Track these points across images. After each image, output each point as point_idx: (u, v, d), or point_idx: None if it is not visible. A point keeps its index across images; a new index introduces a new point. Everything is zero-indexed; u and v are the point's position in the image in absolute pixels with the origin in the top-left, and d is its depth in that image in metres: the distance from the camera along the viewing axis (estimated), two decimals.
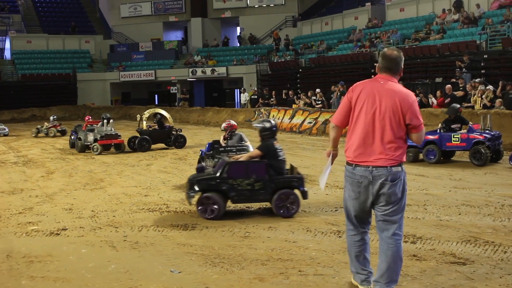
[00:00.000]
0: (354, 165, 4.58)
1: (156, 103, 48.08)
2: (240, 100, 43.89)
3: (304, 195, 8.46)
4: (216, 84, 46.35)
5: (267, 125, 8.70)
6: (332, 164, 5.04)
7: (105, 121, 18.21)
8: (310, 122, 21.69)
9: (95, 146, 17.78)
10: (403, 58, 4.73)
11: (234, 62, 42.38)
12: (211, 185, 8.40)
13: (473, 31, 26.79)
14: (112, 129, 18.25)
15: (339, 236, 7.05)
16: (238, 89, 45.71)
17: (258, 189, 8.42)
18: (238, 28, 49.10)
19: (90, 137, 18.08)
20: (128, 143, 18.36)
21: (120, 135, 18.29)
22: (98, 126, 18.47)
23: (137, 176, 12.86)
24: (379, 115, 4.41)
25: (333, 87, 23.85)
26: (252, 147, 10.89)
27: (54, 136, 25.32)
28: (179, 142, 18.70)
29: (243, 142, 11.25)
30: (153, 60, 45.68)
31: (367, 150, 4.44)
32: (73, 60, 45.68)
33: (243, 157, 8.74)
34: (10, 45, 45.93)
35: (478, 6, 28.65)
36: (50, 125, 25.95)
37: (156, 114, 19.26)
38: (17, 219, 8.66)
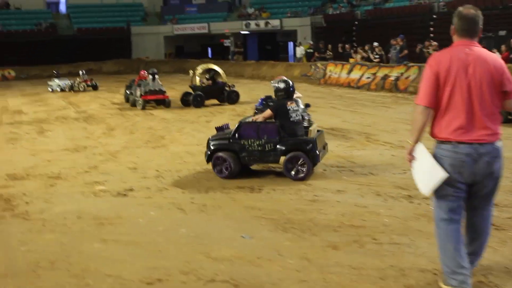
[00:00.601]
0: (455, 142, 4.08)
1: (209, 56, 47.89)
2: (294, 53, 43.49)
3: (315, 159, 8.16)
4: (269, 37, 45.74)
5: (281, 85, 8.62)
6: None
7: (150, 76, 18.07)
8: (368, 77, 21.20)
9: (139, 101, 17.96)
10: (482, 17, 4.33)
11: (288, 15, 41.67)
12: (224, 144, 8.50)
13: None
14: (158, 84, 18.06)
15: (411, 202, 6.84)
16: (292, 42, 45.09)
17: (268, 150, 8.35)
18: None
19: (138, 92, 18.19)
20: (181, 98, 18.29)
21: (165, 91, 18.18)
22: (145, 81, 18.44)
23: (197, 133, 12.80)
24: (475, 86, 4.04)
25: (392, 40, 23.15)
26: (301, 103, 10.98)
27: (85, 90, 25.64)
28: (232, 98, 18.44)
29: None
30: (206, 12, 45.33)
31: (469, 126, 4.07)
32: (126, 14, 45.82)
33: (259, 117, 8.63)
34: None
35: None
36: (81, 80, 26.11)
37: (209, 69, 18.89)
38: (83, 178, 8.75)
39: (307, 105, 11.48)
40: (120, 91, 23.64)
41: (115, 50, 42.29)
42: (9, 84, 33.49)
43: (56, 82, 26.86)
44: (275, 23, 41.56)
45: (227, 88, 18.54)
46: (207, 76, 18.67)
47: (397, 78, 19.68)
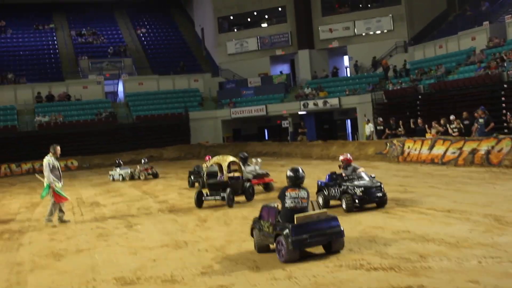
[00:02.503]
0: None
1: (266, 138, 47.59)
2: (353, 131, 42.83)
3: (294, 244, 8.42)
4: (326, 116, 45.35)
5: (288, 173, 9.21)
6: None
7: (253, 160, 17.43)
8: (454, 152, 20.11)
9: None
10: None
11: (347, 92, 41.27)
12: (254, 223, 9.66)
13: None
14: (258, 167, 17.47)
15: None
16: (349, 119, 44.61)
17: (269, 232, 9.03)
18: (347, 57, 48.03)
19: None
20: (198, 198, 15.54)
21: (269, 174, 17.60)
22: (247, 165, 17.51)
23: None
24: None
25: (475, 113, 22.19)
26: (365, 174, 13.33)
27: (146, 179, 25.19)
28: (249, 193, 15.85)
29: (357, 171, 13.38)
30: (262, 95, 45.34)
31: None
32: (183, 99, 46.15)
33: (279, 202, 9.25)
34: (123, 88, 46.99)
35: None
36: (141, 168, 25.74)
37: (232, 162, 16.04)
38: (205, 282, 7.86)
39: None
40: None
41: (174, 136, 42.32)
42: (73, 174, 33.41)
43: (117, 171, 26.57)
44: (333, 101, 41.23)
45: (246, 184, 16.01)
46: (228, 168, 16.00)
47: (488, 152, 18.57)
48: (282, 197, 9.01)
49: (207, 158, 21.37)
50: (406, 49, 42.96)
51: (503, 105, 28.04)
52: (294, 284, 7.33)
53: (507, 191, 13.46)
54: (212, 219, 13.32)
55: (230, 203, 14.97)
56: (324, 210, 9.41)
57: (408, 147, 23.10)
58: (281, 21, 48.91)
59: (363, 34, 45.73)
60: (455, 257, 7.84)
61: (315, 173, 22.51)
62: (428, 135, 23.99)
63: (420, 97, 34.32)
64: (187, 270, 8.59)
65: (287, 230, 8.50)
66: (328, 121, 45.70)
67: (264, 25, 49.64)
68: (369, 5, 46.64)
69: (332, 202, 13.35)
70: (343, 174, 13.38)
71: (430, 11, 44.45)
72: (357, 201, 12.56)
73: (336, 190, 13.08)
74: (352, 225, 10.96)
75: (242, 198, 15.95)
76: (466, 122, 22.48)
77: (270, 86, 46.25)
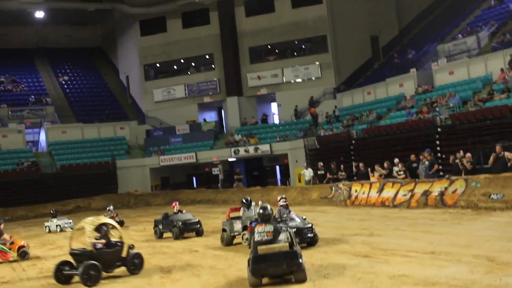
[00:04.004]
0: None
1: (195, 186, 46.63)
2: (281, 177, 42.59)
3: (253, 272, 9.81)
4: (256, 163, 45.02)
5: (258, 210, 10.78)
6: None
7: (253, 204, 15.91)
8: (405, 195, 20.00)
9: (245, 235, 15.05)
10: None
11: (277, 139, 41.14)
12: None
13: None
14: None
15: None
16: (278, 166, 44.44)
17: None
18: (275, 104, 48.13)
19: (238, 226, 15.55)
20: (56, 273, 12.00)
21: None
22: (245, 211, 15.87)
23: None
24: None
25: (417, 155, 22.32)
26: (297, 216, 14.23)
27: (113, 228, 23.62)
28: (135, 264, 12.50)
29: (290, 213, 14.28)
30: (192, 142, 44.54)
31: None
32: (110, 148, 44.68)
33: None
34: (46, 136, 45.01)
35: None
36: (108, 216, 24.28)
37: (101, 225, 12.61)
38: None
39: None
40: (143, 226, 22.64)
41: (101, 185, 40.64)
42: None
43: (54, 222, 24.99)
44: (264, 148, 41.00)
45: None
46: (97, 235, 12.51)
47: (442, 193, 18.51)
48: (252, 231, 10.44)
49: (173, 204, 19.54)
50: (335, 95, 43.43)
51: (438, 148, 28.49)
52: None
53: (480, 231, 13.26)
54: (177, 270, 12.34)
55: (85, 282, 11.32)
56: (286, 244, 10.06)
57: (356, 191, 22.89)
58: (209, 69, 48.61)
59: (292, 81, 45.97)
60: None
61: None
62: (372, 179, 23.87)
63: (353, 142, 34.49)
64: None
65: (249, 259, 9.86)
66: (258, 167, 45.35)
67: (192, 72, 49.11)
68: (295, 53, 47.12)
69: None
70: (276, 215, 13.58)
71: (356, 59, 45.34)
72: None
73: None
74: (338, 269, 10.36)
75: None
76: (415, 164, 22.52)
77: (199, 133, 45.53)
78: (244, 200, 16.07)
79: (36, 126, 46.38)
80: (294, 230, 12.43)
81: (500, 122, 25.37)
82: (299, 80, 45.74)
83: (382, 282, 8.99)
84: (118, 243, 12.43)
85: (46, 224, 25.55)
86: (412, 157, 23.33)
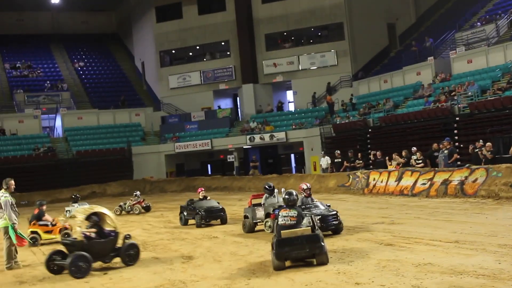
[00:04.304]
0: None
1: (209, 173, 46.67)
2: (296, 164, 42.47)
3: (277, 256, 10.01)
4: (271, 151, 44.93)
5: (283, 195, 11.18)
6: None
7: (276, 191, 15.56)
8: (424, 184, 19.83)
9: (267, 222, 14.68)
10: None
11: (293, 127, 41.00)
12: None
13: None
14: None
15: None
16: (293, 154, 44.34)
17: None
18: (291, 92, 47.97)
19: (260, 213, 15.15)
20: (47, 262, 11.45)
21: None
22: (268, 198, 15.37)
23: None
24: None
25: (440, 144, 22.07)
26: (321, 204, 14.11)
27: (140, 213, 23.72)
28: (131, 256, 11.98)
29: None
30: (207, 129, 44.54)
31: None
32: (125, 134, 44.82)
33: None
34: (62, 122, 45.18)
35: None
36: (134, 202, 24.35)
37: (92, 215, 11.88)
38: None
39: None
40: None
41: (116, 171, 40.85)
42: None
43: (75, 207, 24.94)
44: (280, 135, 40.90)
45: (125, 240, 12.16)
46: (88, 224, 11.84)
47: (462, 183, 18.33)
48: (277, 216, 10.95)
49: (199, 190, 19.14)
50: (351, 83, 43.18)
51: (456, 137, 28.24)
52: None
53: (503, 220, 13.11)
54: (197, 255, 12.31)
55: (73, 273, 10.90)
56: (308, 228, 10.28)
57: (374, 179, 22.75)
58: (225, 56, 48.47)
59: (307, 68, 45.74)
60: None
61: None
62: (390, 167, 23.71)
63: (370, 130, 34.29)
64: None
65: (273, 243, 10.12)
66: (273, 155, 45.28)
67: (207, 59, 48.98)
68: (311, 41, 46.88)
69: None
70: (299, 203, 13.06)
71: (373, 46, 45.03)
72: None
73: None
74: (362, 257, 10.27)
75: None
76: (436, 153, 22.28)
77: (214, 121, 45.52)
78: (267, 187, 15.65)
79: (52, 112, 46.61)
80: (318, 217, 12.59)
81: None
82: (315, 67, 45.51)
83: (407, 270, 8.88)
84: (112, 233, 11.87)
85: (67, 209, 25.41)
86: (434, 146, 23.07)
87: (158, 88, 50.11)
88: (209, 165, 47.73)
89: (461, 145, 26.43)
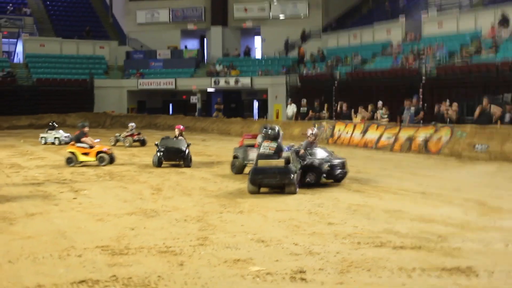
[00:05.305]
0: None
1: (170, 112, 46.32)
2: (258, 111, 42.51)
3: (251, 181, 11.45)
4: (235, 96, 44.84)
5: (267, 130, 12.29)
6: None
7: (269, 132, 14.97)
8: (389, 138, 20.15)
9: None
10: None
11: (259, 73, 40.86)
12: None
13: None
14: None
15: None
16: (256, 100, 44.35)
17: None
18: (259, 38, 47.61)
19: (253, 154, 13.67)
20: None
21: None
22: (259, 139, 14.20)
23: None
24: None
25: (406, 101, 22.32)
26: (325, 150, 13.46)
27: (130, 146, 22.91)
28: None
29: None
30: (172, 68, 43.96)
31: None
32: (88, 66, 43.81)
33: None
34: (23, 48, 43.93)
35: None
36: (127, 134, 23.49)
37: None
38: (213, 254, 7.00)
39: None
40: None
41: (77, 103, 40.10)
42: None
43: (52, 134, 24.50)
44: (245, 81, 40.80)
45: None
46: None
47: (427, 140, 18.70)
48: (259, 144, 12.43)
49: (178, 127, 17.65)
50: (320, 36, 43.04)
51: (421, 97, 28.60)
52: (324, 261, 6.63)
53: (466, 177, 13.55)
54: (166, 188, 12.34)
55: None
56: (282, 160, 11.51)
57: (339, 130, 23.01)
58: None
59: (278, 16, 45.37)
60: (476, 240, 7.48)
61: None
62: (355, 120, 23.95)
63: (336, 83, 34.40)
64: (182, 241, 7.68)
65: (250, 171, 11.55)
66: (236, 100, 45.19)
67: None
68: None
69: None
70: (302, 150, 12.61)
71: (346, 1, 44.84)
72: (324, 175, 12.20)
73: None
74: (332, 201, 10.51)
75: None
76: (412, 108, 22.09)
77: (180, 60, 44.94)
78: (266, 128, 13.57)
79: (13, 37, 45.25)
80: (328, 164, 12.26)
81: (486, 78, 25.47)
82: (285, 16, 45.17)
83: (378, 215, 9.11)
84: None
85: (42, 135, 24.82)
86: (407, 103, 23.19)
87: (125, 22, 49.02)
88: (171, 105, 47.34)
89: (425, 105, 26.81)
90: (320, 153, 12.82)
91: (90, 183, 13.28)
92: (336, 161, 12.60)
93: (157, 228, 8.48)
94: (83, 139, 16.66)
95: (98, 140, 17.46)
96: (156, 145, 16.73)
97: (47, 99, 39.21)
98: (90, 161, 16.59)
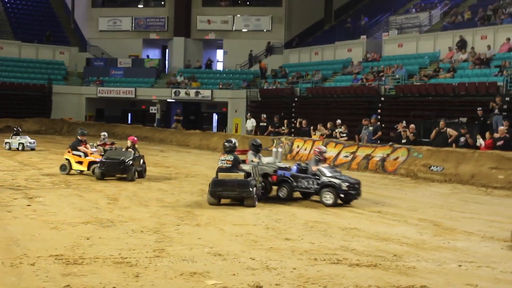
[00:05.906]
0: None
1: (129, 122, 45.93)
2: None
3: (210, 193, 11.71)
4: (194, 108, 44.79)
5: (224, 143, 12.30)
6: None
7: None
8: (346, 156, 20.35)
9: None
10: None
11: (220, 86, 40.90)
12: None
13: (486, 72, 26.24)
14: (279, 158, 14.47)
15: None
16: (216, 114, 44.37)
17: None
18: (221, 51, 47.69)
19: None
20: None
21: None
22: (250, 155, 13.21)
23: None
24: None
25: (364, 120, 22.62)
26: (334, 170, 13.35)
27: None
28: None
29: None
30: (132, 77, 43.62)
31: None
32: (47, 71, 43.20)
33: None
34: None
35: (489, 47, 28.09)
36: (99, 143, 22.85)
37: None
38: (170, 267, 6.94)
39: None
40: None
41: (34, 108, 39.43)
42: None
43: (16, 140, 24.02)
44: (206, 93, 40.78)
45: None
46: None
47: (384, 159, 18.96)
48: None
49: (130, 138, 17.08)
50: (282, 51, 43.36)
51: (379, 117, 29.01)
52: (281, 277, 6.64)
53: (422, 198, 13.71)
54: (123, 198, 12.21)
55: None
56: (241, 174, 11.64)
57: (298, 146, 23.12)
58: (159, 5, 47.53)
59: (241, 30, 45.57)
60: (430, 259, 7.61)
61: (201, 161, 22.06)
62: (314, 137, 24.13)
63: (296, 99, 34.64)
64: (136, 252, 7.60)
65: (210, 183, 11.67)
66: (195, 113, 45.12)
67: (141, 6, 47.83)
68: (248, 3, 46.70)
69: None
70: (314, 167, 12.57)
71: (308, 18, 45.25)
72: (342, 195, 12.01)
73: (310, 182, 12.37)
74: (289, 216, 10.57)
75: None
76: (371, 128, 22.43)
77: (141, 69, 44.63)
78: (254, 143, 13.37)
79: None
80: (347, 184, 12.02)
81: (443, 99, 26.00)
82: (248, 30, 45.39)
83: (335, 232, 9.18)
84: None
85: (6, 141, 24.42)
86: (364, 122, 23.49)
87: (87, 28, 48.49)
88: (130, 114, 46.98)
89: (383, 125, 27.20)
90: (328, 172, 12.52)
91: (46, 190, 13.06)
92: (352, 181, 12.26)
93: (113, 238, 8.39)
94: (80, 147, 16.40)
95: (95, 150, 17.08)
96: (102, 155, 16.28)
97: (3, 103, 38.39)
98: (83, 170, 16.25)
